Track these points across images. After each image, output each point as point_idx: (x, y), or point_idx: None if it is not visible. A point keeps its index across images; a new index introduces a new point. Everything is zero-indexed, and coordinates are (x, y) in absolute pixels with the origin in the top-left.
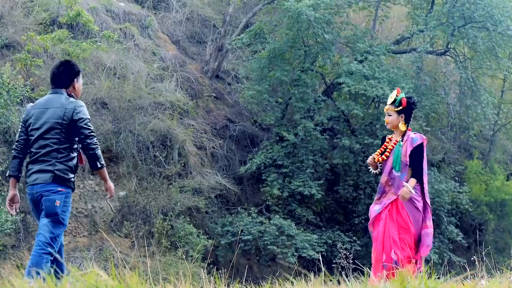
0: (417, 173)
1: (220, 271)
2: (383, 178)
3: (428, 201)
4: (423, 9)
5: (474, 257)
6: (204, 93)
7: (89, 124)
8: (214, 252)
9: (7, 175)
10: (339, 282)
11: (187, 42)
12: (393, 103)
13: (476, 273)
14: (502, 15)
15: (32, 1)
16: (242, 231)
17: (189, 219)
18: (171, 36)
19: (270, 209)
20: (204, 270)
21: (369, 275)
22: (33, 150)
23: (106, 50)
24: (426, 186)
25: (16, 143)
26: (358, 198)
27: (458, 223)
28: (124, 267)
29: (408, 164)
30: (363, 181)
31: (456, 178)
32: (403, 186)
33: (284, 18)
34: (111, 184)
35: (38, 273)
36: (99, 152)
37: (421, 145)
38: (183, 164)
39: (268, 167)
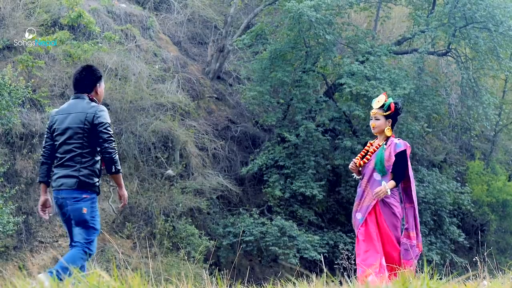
0: (397, 179)
1: (222, 272)
2: (363, 181)
3: (416, 209)
4: (424, 10)
5: (476, 257)
6: (206, 94)
7: (108, 128)
8: (216, 253)
9: (37, 181)
10: (341, 283)
11: (188, 43)
12: (381, 107)
13: (478, 274)
14: (503, 16)
15: (34, 3)
16: (243, 232)
17: (191, 220)
18: (172, 37)
19: (272, 210)
20: (206, 271)
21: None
22: (58, 155)
23: (108, 51)
24: (414, 193)
25: (43, 149)
26: None
27: (460, 223)
28: (126, 268)
29: (390, 169)
30: None
31: (458, 179)
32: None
33: (285, 19)
34: (125, 191)
35: (66, 269)
36: (116, 157)
37: (405, 152)
38: (184, 165)
39: (269, 168)
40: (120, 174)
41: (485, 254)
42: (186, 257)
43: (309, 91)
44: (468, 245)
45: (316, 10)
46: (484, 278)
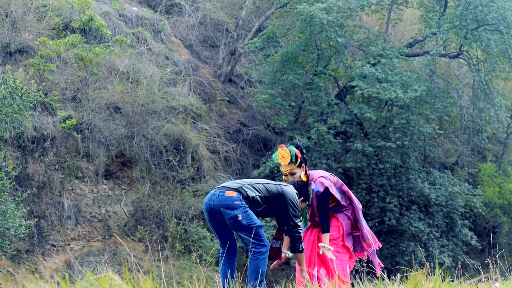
0: (324, 224)
1: (233, 274)
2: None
3: (366, 228)
4: (436, 12)
5: (488, 259)
6: (217, 97)
7: (298, 208)
8: None
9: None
10: (353, 285)
11: (200, 46)
12: (290, 161)
13: (490, 276)
14: None
15: (45, 6)
16: None
17: (202, 223)
18: (184, 40)
19: None
20: (217, 274)
21: (383, 279)
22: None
23: (119, 55)
24: (359, 213)
25: None
26: (371, 201)
27: (472, 226)
28: (138, 271)
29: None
30: (376, 185)
31: (470, 181)
32: (322, 246)
33: (296, 22)
34: (306, 274)
35: (261, 276)
36: (302, 236)
37: (325, 192)
38: (196, 168)
39: (281, 171)
40: (303, 253)
41: (497, 256)
42: (198, 260)
43: (321, 93)
44: (480, 247)
45: (328, 13)
46: (496, 280)
